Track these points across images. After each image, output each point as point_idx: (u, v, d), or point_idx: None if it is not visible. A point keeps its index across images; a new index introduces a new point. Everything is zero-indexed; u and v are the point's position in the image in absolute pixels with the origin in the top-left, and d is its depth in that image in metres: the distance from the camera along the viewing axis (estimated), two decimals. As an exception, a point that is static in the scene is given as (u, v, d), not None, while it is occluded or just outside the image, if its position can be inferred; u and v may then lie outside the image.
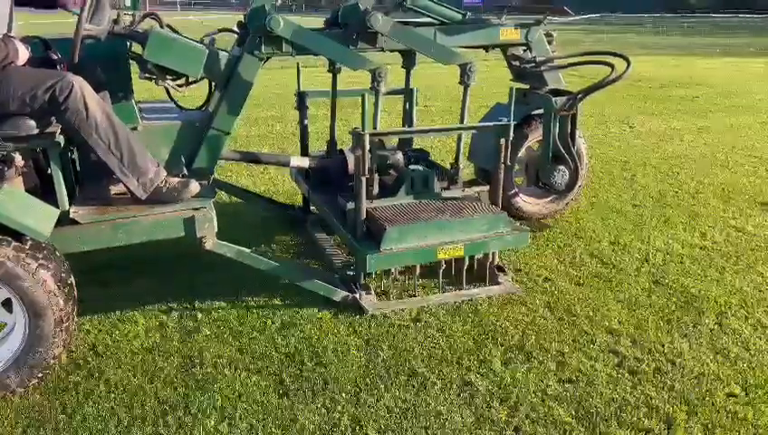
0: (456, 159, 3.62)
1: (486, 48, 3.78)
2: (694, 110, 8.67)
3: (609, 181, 5.34)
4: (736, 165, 5.90)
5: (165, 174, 2.83)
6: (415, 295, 3.26)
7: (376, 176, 3.34)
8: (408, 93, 4.05)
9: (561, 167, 3.71)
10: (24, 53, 2.56)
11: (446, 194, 3.47)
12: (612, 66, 3.49)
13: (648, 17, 32.82)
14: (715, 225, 4.38)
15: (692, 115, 8.27)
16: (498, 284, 3.39)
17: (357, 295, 3.16)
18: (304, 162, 3.78)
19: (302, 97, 4.00)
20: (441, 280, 3.30)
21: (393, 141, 4.16)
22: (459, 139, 3.62)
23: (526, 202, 4.08)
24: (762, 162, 5.99)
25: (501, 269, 3.46)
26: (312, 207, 4.29)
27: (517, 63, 3.82)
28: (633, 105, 8.66)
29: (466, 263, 3.28)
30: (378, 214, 3.18)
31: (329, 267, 3.57)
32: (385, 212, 3.21)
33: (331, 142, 4.04)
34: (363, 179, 3.05)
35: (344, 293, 3.16)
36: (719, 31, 24.95)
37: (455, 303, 3.22)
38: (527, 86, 3.86)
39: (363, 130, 2.97)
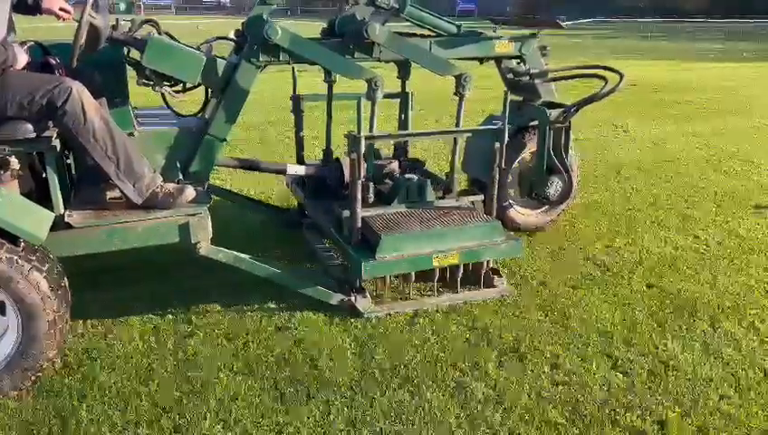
0: (451, 168, 3.63)
1: (481, 60, 3.81)
2: (687, 114, 8.71)
3: (602, 185, 5.37)
4: (729, 168, 5.94)
5: (161, 179, 2.84)
6: (410, 298, 3.27)
7: (371, 184, 3.36)
8: (403, 98, 4.06)
9: (555, 178, 3.73)
10: (22, 58, 2.57)
11: (440, 203, 3.49)
12: (605, 79, 3.53)
13: (642, 22, 32.98)
14: (708, 228, 4.41)
15: (685, 119, 8.32)
16: (493, 286, 3.40)
17: (352, 298, 3.16)
18: (300, 170, 3.79)
19: (297, 101, 4.01)
20: (436, 283, 3.31)
21: (389, 151, 4.19)
22: (454, 148, 3.62)
23: (520, 213, 4.09)
24: (754, 166, 6.03)
25: (496, 272, 3.48)
26: (306, 211, 4.29)
27: (511, 76, 3.84)
28: (627, 109, 8.70)
29: (461, 270, 3.29)
30: (373, 222, 3.20)
31: (325, 270, 3.57)
32: (380, 220, 3.23)
33: (327, 150, 4.04)
34: (359, 184, 3.06)
35: (340, 296, 3.16)
36: (713, 35, 25.10)
37: (449, 305, 3.23)
38: (520, 98, 3.88)
39: (359, 134, 2.98)
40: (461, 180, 3.86)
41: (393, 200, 3.41)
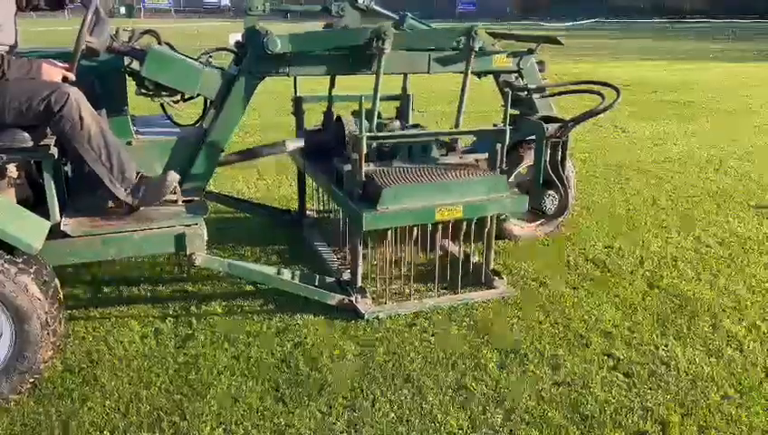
0: (456, 125, 3.52)
1: (479, 75, 3.81)
2: (687, 114, 8.72)
3: (603, 185, 5.37)
4: (729, 168, 5.94)
5: (144, 176, 2.84)
6: (410, 299, 3.26)
7: (374, 141, 3.24)
8: (404, 100, 4.05)
9: (551, 192, 3.75)
10: (52, 74, 2.57)
11: (444, 160, 3.44)
12: (602, 95, 3.55)
13: (642, 22, 33.00)
14: (709, 228, 4.40)
15: (685, 119, 8.32)
16: (494, 287, 3.40)
17: (353, 299, 3.16)
18: (300, 143, 3.76)
19: (298, 102, 4.01)
20: (437, 283, 3.31)
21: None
22: (460, 104, 3.45)
23: (517, 226, 4.08)
24: (754, 166, 6.03)
25: (496, 273, 3.48)
26: (307, 212, 4.29)
27: (508, 90, 3.83)
28: (626, 110, 8.70)
29: (461, 260, 3.26)
30: (375, 175, 3.13)
31: (325, 271, 3.57)
32: (382, 174, 3.16)
33: (328, 114, 3.97)
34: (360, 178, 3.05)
35: (340, 296, 3.16)
36: (712, 35, 25.09)
37: (450, 306, 3.23)
38: (518, 112, 3.88)
39: (361, 134, 2.98)
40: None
41: (396, 156, 3.35)
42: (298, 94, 3.99)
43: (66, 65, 2.64)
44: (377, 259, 3.36)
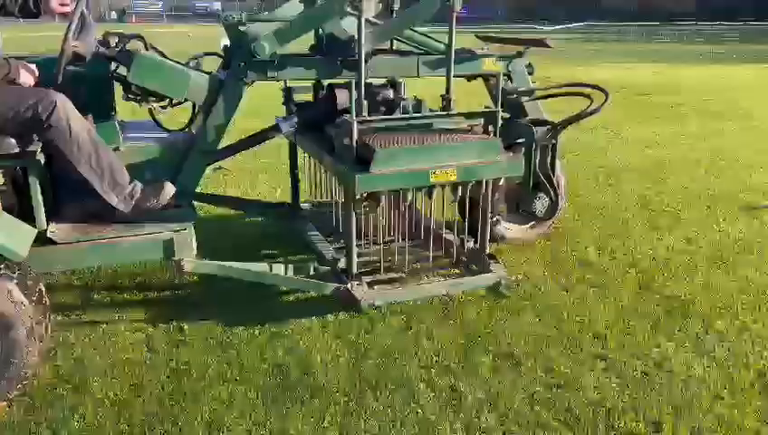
0: (447, 90, 3.45)
1: (469, 78, 3.81)
2: (677, 116, 8.76)
3: (594, 188, 5.38)
4: (719, 170, 5.97)
5: (140, 186, 2.83)
6: (407, 285, 3.23)
7: (365, 102, 3.21)
8: (395, 85, 4.01)
9: (542, 195, 3.75)
10: (27, 76, 2.57)
11: (438, 123, 3.39)
12: (591, 98, 3.56)
13: (631, 25, 33.19)
14: (700, 229, 4.42)
15: (675, 121, 8.37)
16: (490, 271, 3.37)
17: (348, 286, 3.11)
18: (293, 121, 3.72)
19: (288, 92, 3.98)
20: (432, 268, 3.29)
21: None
22: (449, 68, 3.37)
23: (508, 229, 4.09)
24: (744, 167, 6.06)
25: (492, 257, 3.45)
26: (301, 204, 4.26)
27: (493, 79, 3.83)
28: (617, 112, 8.74)
29: (456, 243, 3.28)
30: (368, 139, 3.07)
31: (320, 261, 3.53)
32: (376, 137, 3.10)
33: (318, 91, 3.89)
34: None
35: (335, 285, 3.11)
36: (702, 39, 25.27)
37: (444, 307, 3.23)
38: (507, 116, 3.88)
39: (352, 118, 2.94)
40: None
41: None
42: (288, 84, 3.95)
43: (36, 68, 2.63)
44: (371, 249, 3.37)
